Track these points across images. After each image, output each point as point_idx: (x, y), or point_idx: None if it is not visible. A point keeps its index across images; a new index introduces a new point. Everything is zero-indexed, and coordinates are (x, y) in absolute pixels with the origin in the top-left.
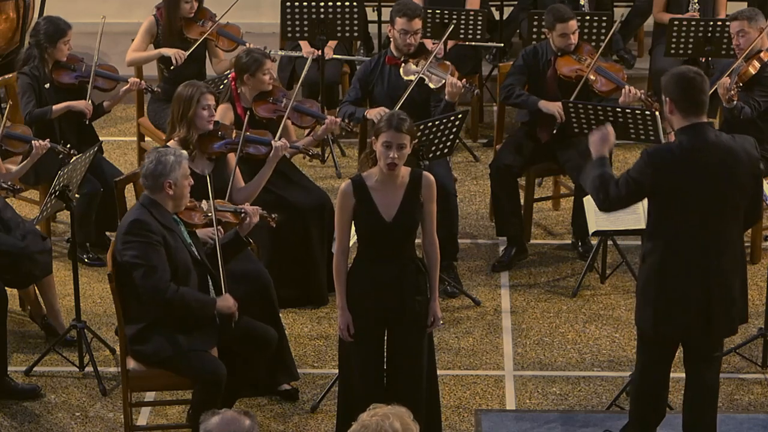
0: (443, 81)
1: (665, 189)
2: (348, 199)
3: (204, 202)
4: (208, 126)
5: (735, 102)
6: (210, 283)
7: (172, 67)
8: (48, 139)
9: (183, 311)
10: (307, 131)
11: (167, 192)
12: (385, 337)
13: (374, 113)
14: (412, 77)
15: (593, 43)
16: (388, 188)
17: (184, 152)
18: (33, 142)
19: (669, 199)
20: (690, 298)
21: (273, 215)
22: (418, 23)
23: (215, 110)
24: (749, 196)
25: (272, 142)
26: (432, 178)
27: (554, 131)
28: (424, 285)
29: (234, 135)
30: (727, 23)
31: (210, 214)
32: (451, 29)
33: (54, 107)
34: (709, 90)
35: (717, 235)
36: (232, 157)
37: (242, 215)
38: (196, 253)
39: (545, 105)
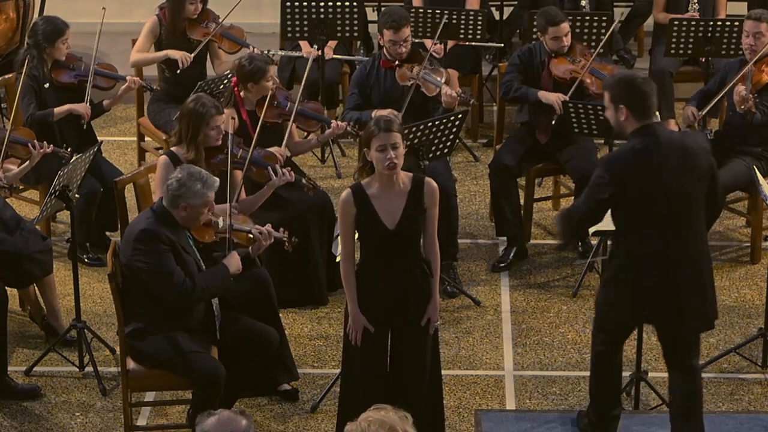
0: (438, 89)
1: (627, 191)
2: (349, 208)
3: (221, 219)
4: (217, 143)
5: (754, 113)
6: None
7: (178, 71)
8: (51, 145)
9: (212, 296)
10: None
11: (181, 212)
12: (389, 338)
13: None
14: (408, 83)
15: (593, 44)
16: (390, 195)
17: (216, 180)
18: (36, 144)
19: (632, 200)
20: (660, 292)
21: (293, 239)
22: (406, 31)
23: (222, 126)
24: (708, 187)
25: (276, 168)
26: (434, 184)
27: (553, 122)
28: (429, 289)
29: (240, 154)
30: (727, 23)
31: (223, 234)
32: (442, 27)
33: (55, 110)
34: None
35: (683, 229)
36: (238, 174)
37: (254, 239)
38: (203, 268)
39: (544, 95)
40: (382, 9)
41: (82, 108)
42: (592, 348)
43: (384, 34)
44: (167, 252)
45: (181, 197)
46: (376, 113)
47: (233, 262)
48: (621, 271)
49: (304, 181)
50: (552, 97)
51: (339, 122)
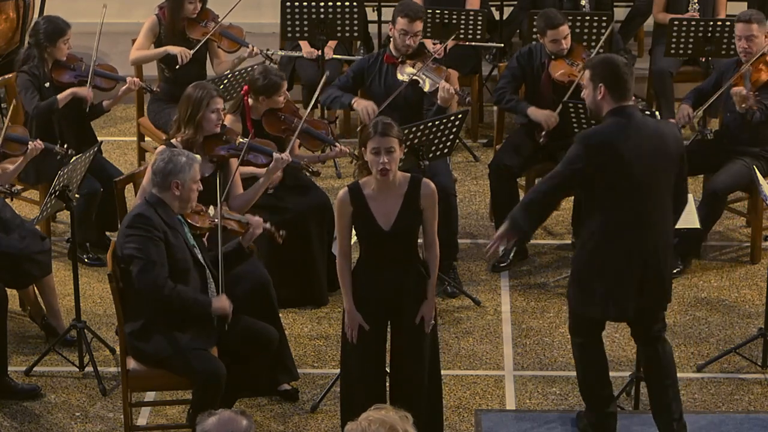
0: (437, 85)
1: (603, 169)
2: (345, 207)
3: (211, 207)
4: (216, 129)
5: (755, 111)
6: (212, 285)
7: (177, 66)
8: (41, 141)
9: (180, 308)
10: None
11: (174, 192)
12: (388, 336)
13: (362, 106)
14: (406, 78)
15: (593, 44)
16: (386, 196)
17: (198, 156)
18: (29, 142)
19: (607, 178)
20: (632, 277)
21: (281, 232)
22: (419, 25)
23: (223, 114)
24: (677, 175)
25: (273, 153)
26: (432, 186)
27: (541, 139)
28: (425, 289)
29: (238, 141)
30: (727, 23)
31: (216, 220)
32: (454, 35)
33: (59, 96)
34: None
35: (653, 211)
36: (234, 162)
37: (247, 225)
38: (198, 255)
39: (533, 113)
40: (383, 9)
41: (85, 91)
42: (574, 351)
43: (397, 23)
44: (158, 241)
45: (170, 174)
46: (356, 101)
47: (222, 301)
48: (594, 258)
49: (302, 163)
50: (541, 116)
51: (342, 147)
